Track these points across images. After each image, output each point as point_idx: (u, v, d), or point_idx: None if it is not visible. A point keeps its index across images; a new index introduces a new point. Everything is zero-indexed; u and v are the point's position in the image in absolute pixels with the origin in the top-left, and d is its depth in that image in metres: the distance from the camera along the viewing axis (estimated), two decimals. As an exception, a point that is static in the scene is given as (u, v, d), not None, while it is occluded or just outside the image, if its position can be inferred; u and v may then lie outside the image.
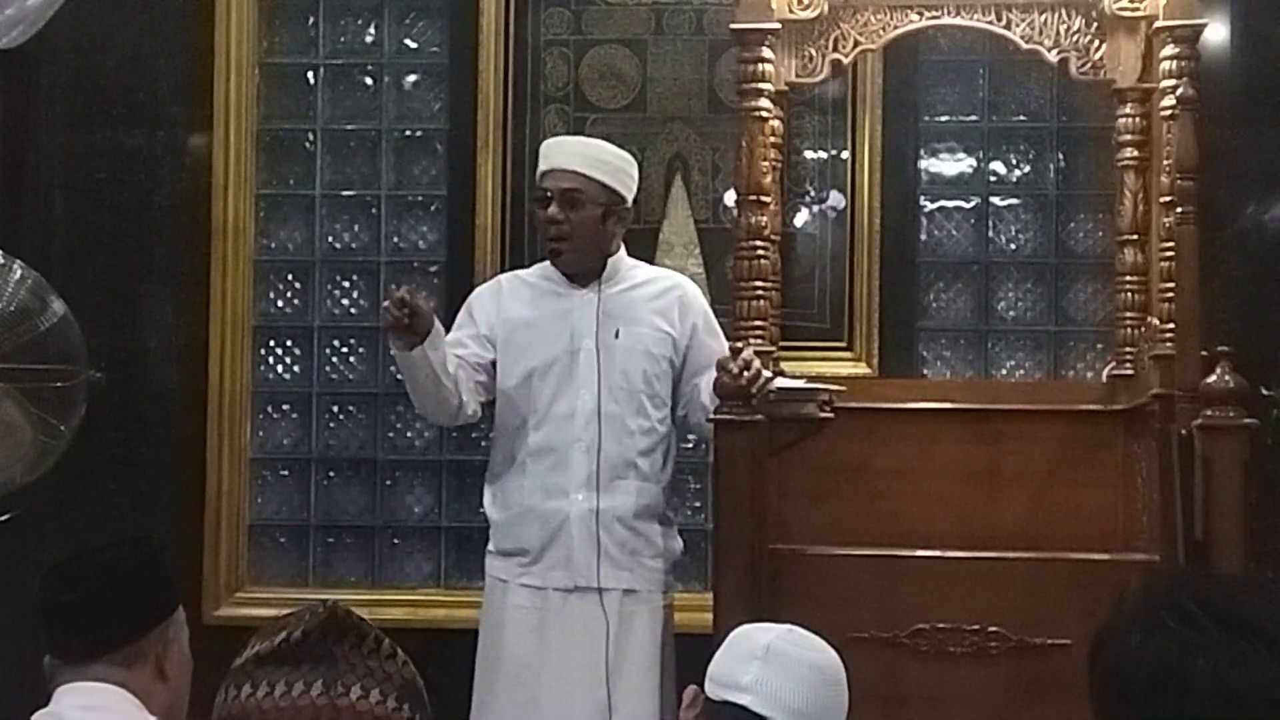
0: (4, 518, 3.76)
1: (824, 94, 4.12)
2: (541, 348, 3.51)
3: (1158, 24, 3.42)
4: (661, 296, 3.57)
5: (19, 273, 3.71)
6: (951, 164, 4.22)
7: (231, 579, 4.24)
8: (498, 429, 3.59)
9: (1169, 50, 3.39)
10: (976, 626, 3.23)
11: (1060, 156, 4.19)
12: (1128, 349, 3.63)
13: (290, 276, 4.33)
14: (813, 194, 4.20)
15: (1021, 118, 4.21)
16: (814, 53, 3.60)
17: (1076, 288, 4.18)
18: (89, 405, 3.79)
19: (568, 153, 3.55)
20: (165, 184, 4.26)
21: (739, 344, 3.34)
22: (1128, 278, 3.65)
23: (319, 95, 4.34)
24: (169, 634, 2.33)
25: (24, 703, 2.27)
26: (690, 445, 3.91)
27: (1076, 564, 3.26)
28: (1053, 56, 3.57)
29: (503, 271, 3.90)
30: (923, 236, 4.20)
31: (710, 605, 3.26)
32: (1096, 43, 3.56)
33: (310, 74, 4.34)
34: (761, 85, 3.51)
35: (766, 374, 3.30)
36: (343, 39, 4.35)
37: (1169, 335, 3.30)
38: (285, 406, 4.33)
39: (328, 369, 4.33)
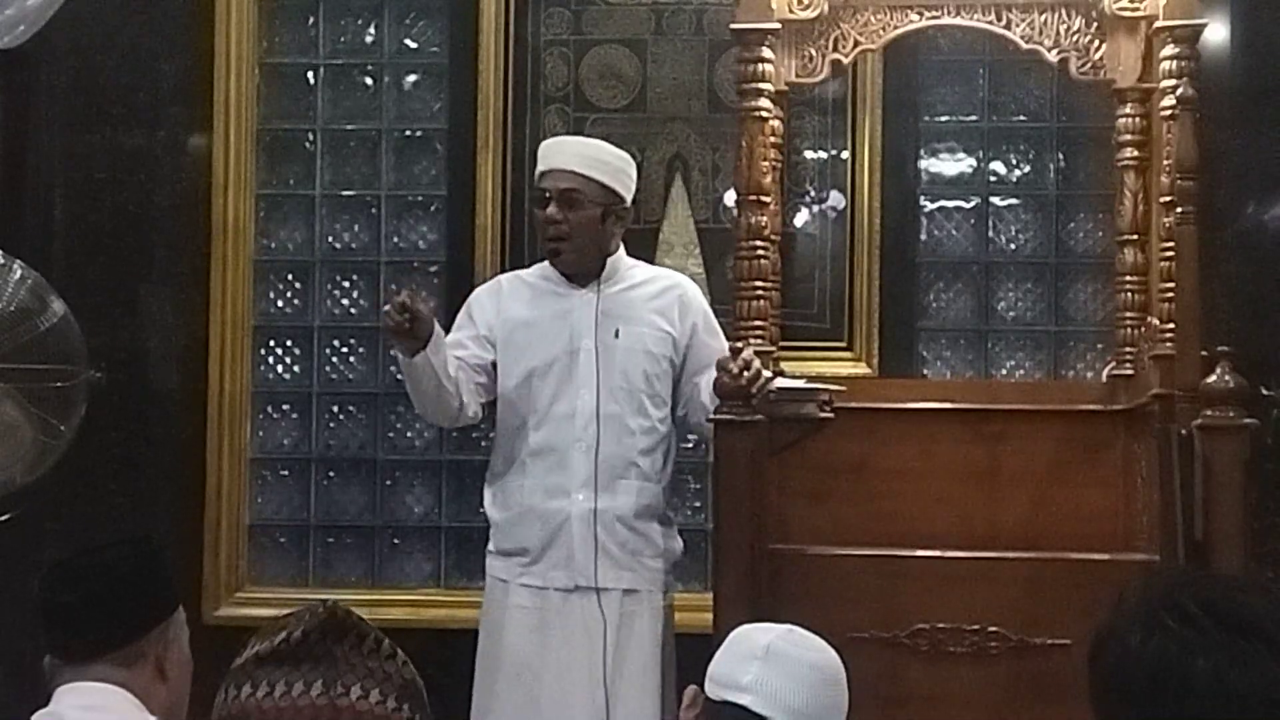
0: (4, 518, 3.76)
1: (824, 94, 4.12)
2: (541, 348, 3.51)
3: (1158, 24, 3.42)
4: (661, 296, 3.57)
5: (19, 273, 3.71)
6: (951, 164, 4.22)
7: (231, 579, 4.24)
8: (498, 429, 3.59)
9: (1169, 50, 3.38)
10: (976, 626, 3.22)
11: (1060, 156, 4.19)
12: (1128, 349, 3.63)
13: (290, 276, 4.33)
14: (813, 194, 4.19)
15: (1021, 118, 4.20)
16: (814, 53, 3.60)
17: (1076, 288, 4.18)
18: (89, 405, 3.79)
19: (567, 153, 3.55)
20: (165, 184, 4.26)
21: (739, 344, 3.33)
22: (1128, 278, 3.64)
23: (319, 95, 4.34)
24: (169, 634, 2.33)
25: (24, 703, 2.27)
26: (690, 445, 3.91)
27: (1076, 564, 3.25)
28: (1053, 56, 3.56)
29: (503, 271, 3.90)
30: (923, 236, 4.20)
31: (710, 605, 3.25)
32: (1096, 43, 3.56)
33: (310, 74, 4.34)
34: (761, 85, 3.51)
35: (766, 374, 3.30)
36: (343, 39, 4.35)
37: (1169, 335, 3.30)
38: (285, 406, 4.33)
39: (328, 369, 4.33)
